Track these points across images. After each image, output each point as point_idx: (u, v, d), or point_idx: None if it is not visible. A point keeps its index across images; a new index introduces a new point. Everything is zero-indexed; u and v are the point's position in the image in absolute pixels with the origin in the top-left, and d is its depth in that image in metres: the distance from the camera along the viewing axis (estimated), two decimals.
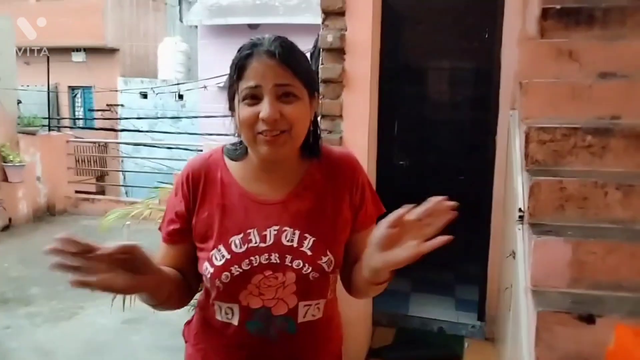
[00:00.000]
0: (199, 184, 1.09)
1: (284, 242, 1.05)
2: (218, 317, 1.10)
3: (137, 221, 2.97)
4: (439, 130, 4.50)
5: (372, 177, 2.91)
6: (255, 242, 1.04)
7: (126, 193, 9.99)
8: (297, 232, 1.06)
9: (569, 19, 2.16)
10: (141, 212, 2.84)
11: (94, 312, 4.02)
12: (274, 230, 1.06)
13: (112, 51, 12.69)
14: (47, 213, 7.29)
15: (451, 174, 4.23)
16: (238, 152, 1.11)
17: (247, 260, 1.03)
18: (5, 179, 6.70)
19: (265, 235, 1.05)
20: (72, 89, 12.92)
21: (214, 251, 1.05)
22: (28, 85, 10.26)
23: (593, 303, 1.46)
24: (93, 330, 3.76)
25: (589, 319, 1.41)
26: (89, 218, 7.16)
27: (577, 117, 1.91)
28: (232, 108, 1.06)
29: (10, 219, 6.64)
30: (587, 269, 1.53)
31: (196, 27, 11.96)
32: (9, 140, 6.80)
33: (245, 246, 1.04)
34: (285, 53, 0.99)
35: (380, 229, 0.92)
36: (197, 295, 1.21)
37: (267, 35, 1.03)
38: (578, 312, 1.43)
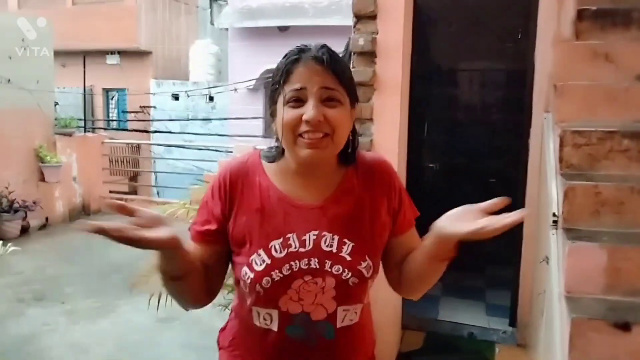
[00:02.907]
0: (236, 188, 1.09)
1: (324, 247, 1.06)
2: (256, 323, 1.10)
3: (174, 221, 3.03)
4: (470, 133, 4.46)
5: (403, 180, 2.90)
6: (295, 247, 1.05)
7: (157, 193, 10.18)
8: (336, 238, 1.06)
9: (605, 21, 2.12)
10: (176, 211, 2.90)
11: (128, 310, 4.12)
12: (313, 235, 1.06)
13: (145, 54, 12.96)
14: (82, 212, 7.49)
15: (482, 176, 4.18)
16: (275, 156, 1.11)
17: (287, 265, 1.04)
18: (43, 179, 6.92)
19: (305, 240, 1.06)
20: (106, 91, 13.24)
21: (254, 256, 1.05)
22: (64, 87, 10.55)
23: (629, 310, 1.43)
24: (127, 328, 3.85)
25: (625, 327, 1.38)
26: (123, 218, 7.32)
27: (613, 120, 1.87)
28: (273, 113, 1.07)
29: (47, 218, 6.85)
30: (623, 276, 1.50)
31: (227, 29, 12.12)
32: (47, 141, 7.02)
33: (285, 251, 1.04)
34: (331, 60, 1.02)
35: (461, 208, 1.00)
36: (219, 300, 1.22)
37: (313, 43, 1.05)
38: (613, 320, 1.41)
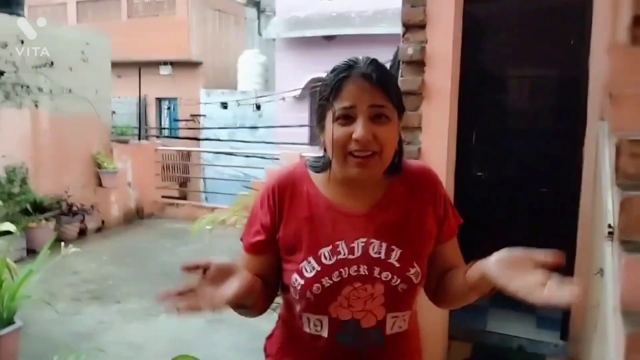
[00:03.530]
0: (285, 197, 1.11)
1: (372, 254, 1.07)
2: (306, 329, 1.11)
3: (222, 227, 3.13)
4: (520, 141, 4.36)
5: (450, 189, 2.89)
6: (344, 254, 1.06)
7: (206, 199, 10.44)
8: (384, 245, 1.08)
9: None
10: (228, 218, 2.99)
11: None
12: (362, 242, 1.07)
13: (195, 64, 13.37)
14: (136, 216, 7.78)
15: (533, 186, 4.09)
16: (322, 166, 1.13)
17: (336, 272, 1.05)
18: (100, 184, 7.24)
19: (353, 247, 1.07)
20: (159, 100, 13.71)
21: (304, 263, 1.06)
22: (119, 97, 11.01)
23: None
24: (179, 328, 3.97)
25: None
26: (174, 222, 7.58)
27: None
28: (321, 127, 1.08)
29: (103, 222, 7.16)
30: None
31: (274, 39, 12.35)
32: (104, 148, 7.35)
33: (335, 258, 1.06)
34: (380, 76, 1.03)
35: (514, 253, 0.99)
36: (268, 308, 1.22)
37: (361, 57, 1.06)
38: None
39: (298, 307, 1.10)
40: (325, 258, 1.06)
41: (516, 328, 3.29)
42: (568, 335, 3.04)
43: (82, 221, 6.67)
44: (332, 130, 1.03)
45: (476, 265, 1.05)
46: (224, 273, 0.96)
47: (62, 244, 3.34)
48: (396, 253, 1.08)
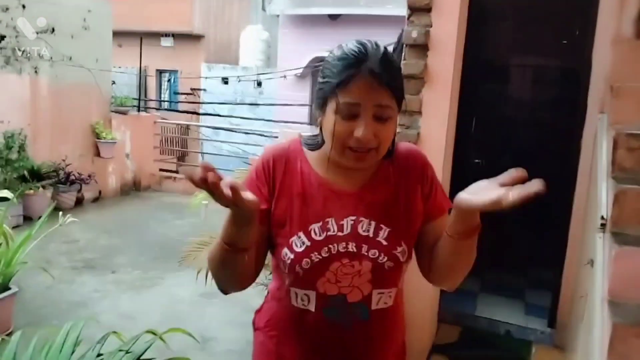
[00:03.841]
0: (279, 172, 1.13)
1: (361, 232, 1.10)
2: (294, 303, 1.14)
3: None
4: (519, 130, 4.37)
5: (447, 175, 2.90)
6: (334, 231, 1.09)
7: None
8: (373, 223, 1.11)
9: None
10: None
11: (173, 284, 4.29)
12: (351, 220, 1.11)
13: (197, 37, 13.23)
14: (133, 188, 7.79)
15: (529, 175, 4.11)
16: (316, 145, 1.15)
17: (326, 248, 1.08)
18: (98, 154, 7.23)
19: (343, 224, 1.10)
20: (159, 72, 13.60)
21: (294, 238, 1.09)
22: (120, 67, 10.91)
23: None
24: (172, 300, 4.03)
25: None
26: (171, 195, 7.61)
27: None
28: (321, 110, 1.08)
29: (100, 192, 7.17)
30: None
31: (278, 16, 12.21)
32: (103, 118, 7.32)
33: (325, 234, 1.09)
34: (388, 74, 1.02)
35: (480, 183, 0.99)
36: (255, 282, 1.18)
37: (371, 47, 1.03)
38: None
39: (287, 281, 1.13)
40: (315, 234, 1.09)
41: (504, 314, 3.34)
42: (555, 323, 3.09)
43: (80, 190, 6.68)
44: (334, 123, 1.03)
45: (446, 232, 1.06)
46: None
47: (60, 212, 3.35)
48: (384, 232, 1.11)
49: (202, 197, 3.12)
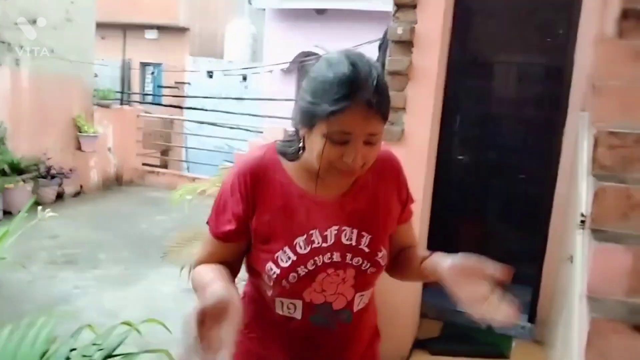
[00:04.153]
0: (257, 186, 1.09)
1: (344, 241, 1.12)
2: (279, 312, 1.14)
3: (201, 197, 3.13)
4: (502, 127, 4.40)
5: (431, 172, 2.92)
6: (318, 243, 1.10)
7: (187, 168, 10.37)
8: (355, 231, 1.12)
9: None
10: (208, 189, 2.99)
11: (156, 279, 4.26)
12: (334, 230, 1.11)
13: (182, 30, 13.09)
14: (115, 182, 7.71)
15: (511, 172, 4.15)
16: (292, 153, 1.11)
17: (311, 261, 1.09)
18: (79, 148, 7.13)
19: (327, 235, 1.11)
20: (143, 65, 13.44)
21: (279, 253, 1.08)
22: (102, 59, 10.77)
23: None
24: (154, 296, 4.00)
25: None
26: (154, 190, 7.54)
27: None
28: (308, 127, 1.03)
29: (81, 186, 7.08)
30: None
31: (264, 10, 12.14)
32: (85, 111, 7.22)
33: (309, 247, 1.09)
34: (381, 102, 1.00)
35: (467, 262, 1.08)
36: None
37: (363, 72, 0.98)
38: (634, 322, 1.41)
39: (270, 292, 1.12)
40: (301, 247, 1.09)
41: None
42: (535, 318, 3.13)
43: (60, 185, 6.59)
44: (324, 146, 1.00)
45: (433, 260, 1.13)
46: (217, 311, 0.93)
47: (39, 207, 3.30)
48: (366, 239, 1.13)
49: (184, 191, 3.09)
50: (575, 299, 1.71)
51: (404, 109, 2.72)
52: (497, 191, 4.23)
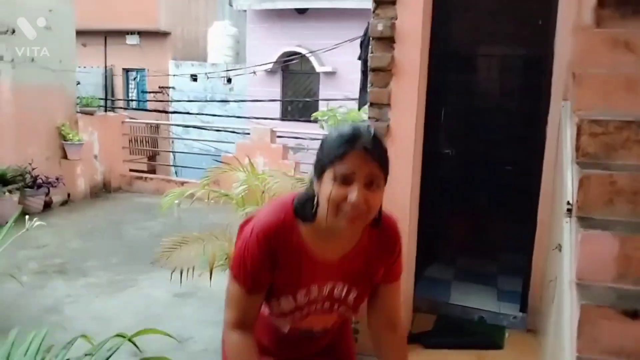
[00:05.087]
0: (278, 249, 1.27)
1: (335, 294, 1.35)
2: (271, 321, 1.42)
3: (190, 201, 3.11)
4: (487, 119, 4.44)
5: (418, 166, 2.93)
6: (315, 295, 1.33)
7: (175, 173, 10.32)
8: (346, 287, 1.35)
9: (626, 8, 2.09)
10: (196, 192, 2.98)
11: (147, 285, 4.23)
12: (330, 285, 1.34)
13: (164, 35, 13.01)
14: (103, 190, 7.63)
15: (498, 163, 4.19)
16: (308, 213, 1.26)
17: (307, 308, 1.34)
18: (65, 157, 7.05)
19: (323, 289, 1.34)
20: (126, 71, 13.34)
21: (282, 298, 1.32)
22: (84, 67, 10.67)
23: (638, 299, 1.46)
24: (147, 302, 3.96)
25: (634, 315, 1.40)
26: (143, 196, 7.48)
27: (631, 110, 1.87)
28: (319, 178, 1.22)
29: (69, 195, 7.00)
30: (634, 265, 1.51)
31: (245, 11, 12.10)
32: (69, 119, 7.13)
33: (307, 298, 1.33)
34: (379, 152, 1.20)
35: None
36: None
37: (363, 128, 1.20)
38: (622, 307, 1.43)
39: (267, 311, 1.39)
40: (300, 298, 1.33)
41: (478, 301, 3.40)
42: (527, 307, 3.16)
43: (47, 194, 6.51)
44: (331, 189, 1.17)
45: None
46: None
47: (27, 217, 3.26)
48: (353, 294, 1.36)
49: (173, 196, 3.08)
50: (565, 287, 1.73)
51: (388, 104, 2.73)
52: (485, 183, 4.27)
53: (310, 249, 1.29)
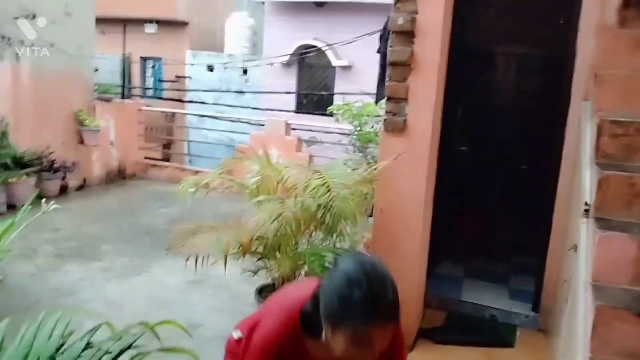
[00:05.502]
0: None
1: None
2: None
3: (204, 189, 3.14)
4: (504, 118, 4.41)
5: (434, 162, 2.92)
6: None
7: (189, 161, 10.38)
8: None
9: None
10: (211, 181, 3.00)
11: (160, 272, 4.28)
12: None
13: (182, 24, 13.04)
14: (118, 176, 7.71)
15: (514, 163, 4.15)
16: (314, 328, 1.21)
17: None
18: (82, 142, 7.13)
19: None
20: (143, 59, 13.42)
21: None
22: (103, 54, 10.74)
23: None
24: (159, 287, 4.01)
25: None
26: (156, 183, 7.55)
27: None
28: (330, 328, 1.15)
29: (84, 180, 7.09)
30: None
31: (263, 3, 12.09)
32: (86, 105, 7.21)
33: None
34: (396, 310, 1.14)
35: None
36: None
37: (379, 293, 1.11)
38: (638, 310, 1.43)
39: None
40: None
41: (489, 298, 3.39)
42: (539, 307, 3.15)
43: (64, 178, 6.59)
44: (343, 349, 1.13)
45: None
46: None
47: (43, 200, 3.31)
48: None
49: (188, 184, 3.10)
50: (579, 288, 1.73)
51: (406, 99, 2.72)
52: (500, 182, 4.24)
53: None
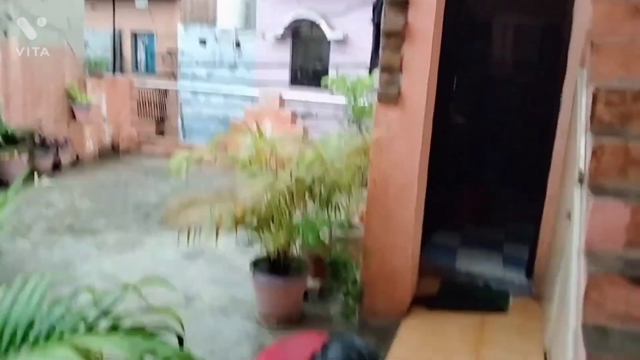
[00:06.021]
0: None
1: None
2: None
3: (197, 164, 3.13)
4: (500, 88, 4.39)
5: (428, 134, 2.90)
6: None
7: (183, 136, 10.33)
8: None
9: None
10: (205, 156, 2.99)
11: (155, 245, 4.29)
12: None
13: None
14: (111, 152, 7.67)
15: (509, 133, 4.15)
16: None
17: None
18: (74, 118, 7.07)
19: None
20: (134, 34, 13.22)
21: None
22: (93, 29, 10.57)
23: None
24: (154, 261, 4.03)
25: None
26: (150, 158, 7.52)
27: None
28: None
29: (77, 156, 7.04)
30: None
31: None
32: (77, 81, 7.12)
33: None
34: None
35: None
36: None
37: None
38: (630, 275, 1.44)
39: None
40: None
41: (484, 266, 3.42)
42: (533, 274, 3.18)
43: (56, 155, 6.55)
44: None
45: None
46: None
47: (36, 176, 3.29)
48: None
49: (181, 159, 3.08)
50: (573, 255, 1.73)
51: (400, 69, 2.69)
52: (496, 151, 4.25)
53: None
